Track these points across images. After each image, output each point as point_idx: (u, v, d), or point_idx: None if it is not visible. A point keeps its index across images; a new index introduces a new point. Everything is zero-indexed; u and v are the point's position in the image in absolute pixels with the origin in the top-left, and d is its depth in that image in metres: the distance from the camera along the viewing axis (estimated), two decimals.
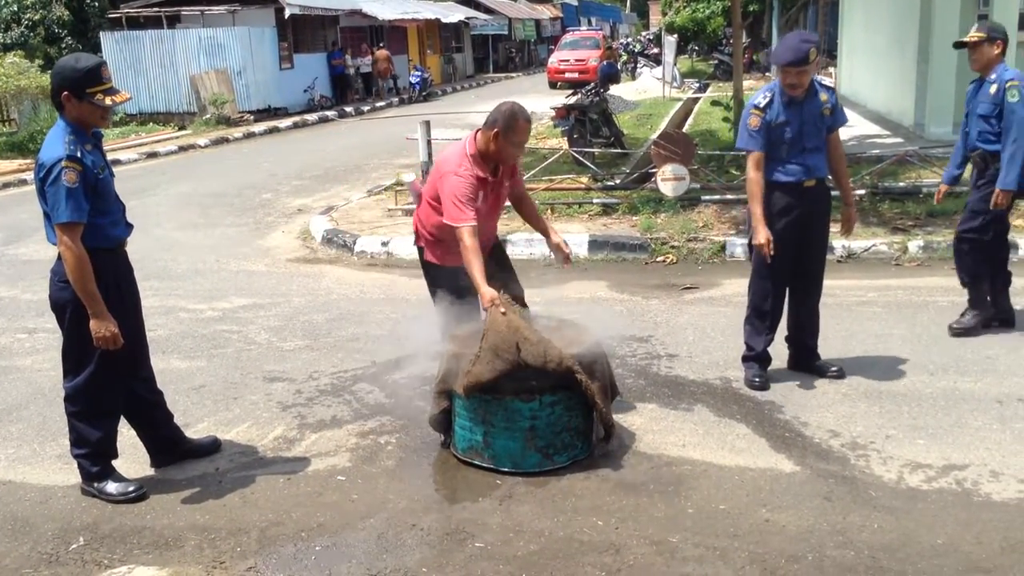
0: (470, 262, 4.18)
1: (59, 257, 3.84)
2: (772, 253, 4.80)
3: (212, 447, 4.52)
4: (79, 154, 3.73)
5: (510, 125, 4.27)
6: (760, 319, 5.10)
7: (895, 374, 5.17)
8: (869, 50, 16.20)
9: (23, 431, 4.89)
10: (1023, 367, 5.19)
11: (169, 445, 4.41)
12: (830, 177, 5.07)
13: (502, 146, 4.30)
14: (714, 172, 9.97)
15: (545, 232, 4.73)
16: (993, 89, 5.46)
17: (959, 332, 5.75)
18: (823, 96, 4.86)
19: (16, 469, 4.45)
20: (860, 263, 7.60)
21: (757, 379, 5.07)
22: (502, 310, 4.10)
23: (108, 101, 3.81)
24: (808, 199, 4.90)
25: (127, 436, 4.33)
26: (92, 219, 3.78)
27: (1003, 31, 5.54)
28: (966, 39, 5.58)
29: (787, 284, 5.08)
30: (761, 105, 4.86)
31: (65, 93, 3.74)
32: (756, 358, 5.13)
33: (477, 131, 4.40)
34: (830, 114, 4.88)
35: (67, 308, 3.88)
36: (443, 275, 4.56)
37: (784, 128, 4.81)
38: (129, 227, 4.09)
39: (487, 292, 4.15)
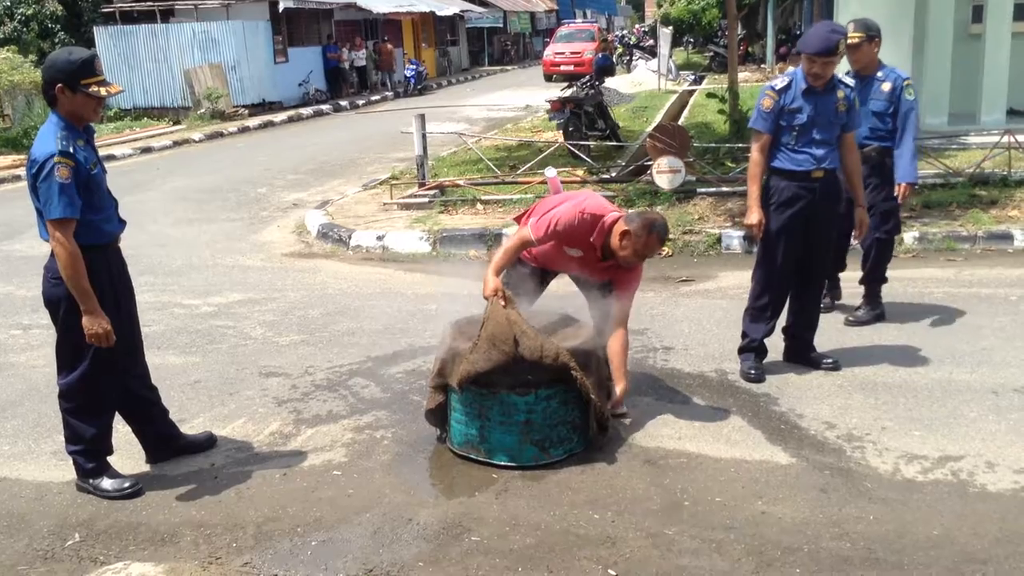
0: (498, 253, 4.36)
1: (52, 253, 3.83)
2: (761, 236, 4.92)
3: (208, 443, 4.52)
4: (72, 149, 3.72)
5: (639, 234, 4.23)
6: (761, 309, 5.10)
7: (891, 365, 5.17)
8: None
9: (18, 428, 4.87)
10: (1018, 358, 5.19)
11: (164, 441, 4.40)
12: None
13: (624, 244, 4.27)
14: (710, 164, 9.97)
15: (617, 379, 4.43)
16: (887, 87, 5.54)
17: (856, 324, 5.89)
18: (841, 92, 4.84)
19: (11, 466, 4.44)
20: (855, 254, 7.57)
21: (753, 371, 5.07)
22: (503, 302, 4.10)
23: (103, 92, 3.81)
24: (817, 191, 4.87)
25: (122, 432, 4.32)
26: (85, 215, 3.77)
27: (878, 28, 5.62)
28: (847, 41, 5.59)
29: (791, 275, 5.07)
30: (777, 87, 4.88)
31: (59, 86, 3.73)
32: (753, 349, 5.13)
33: (622, 218, 4.34)
34: (845, 110, 4.85)
35: (60, 304, 3.86)
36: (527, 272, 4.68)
37: (796, 114, 4.82)
38: (122, 223, 4.08)
39: (491, 282, 4.20)
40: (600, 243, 4.32)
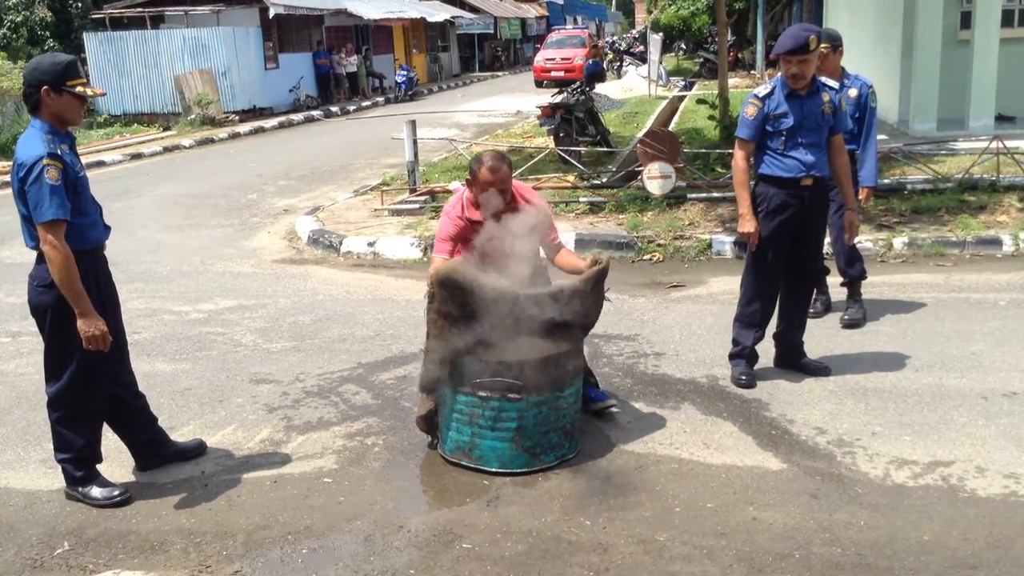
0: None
1: (37, 261, 3.82)
2: (757, 243, 4.92)
3: (198, 450, 4.50)
4: (59, 152, 3.72)
5: (474, 173, 4.32)
6: (751, 315, 5.10)
7: (881, 371, 5.19)
8: (853, 47, 16.21)
9: (7, 435, 4.84)
10: (1007, 363, 5.21)
11: (153, 448, 4.38)
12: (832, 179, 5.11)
13: (476, 194, 4.34)
14: (700, 170, 9.99)
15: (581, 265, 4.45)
16: (853, 93, 5.70)
17: (851, 324, 5.94)
18: (826, 96, 4.85)
19: (0, 474, 4.41)
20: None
21: (744, 377, 5.08)
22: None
23: (89, 92, 3.86)
24: (805, 199, 4.89)
25: (111, 440, 4.30)
26: (72, 220, 3.76)
27: (841, 37, 5.75)
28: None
29: (779, 281, 5.09)
30: (761, 95, 4.90)
31: (45, 88, 3.74)
32: (743, 355, 5.14)
33: None
34: (831, 113, 4.86)
35: (47, 312, 3.85)
36: None
37: (781, 119, 4.83)
38: (107, 229, 4.06)
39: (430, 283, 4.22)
40: (473, 211, 4.38)
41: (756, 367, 5.18)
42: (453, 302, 4.04)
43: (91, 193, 3.98)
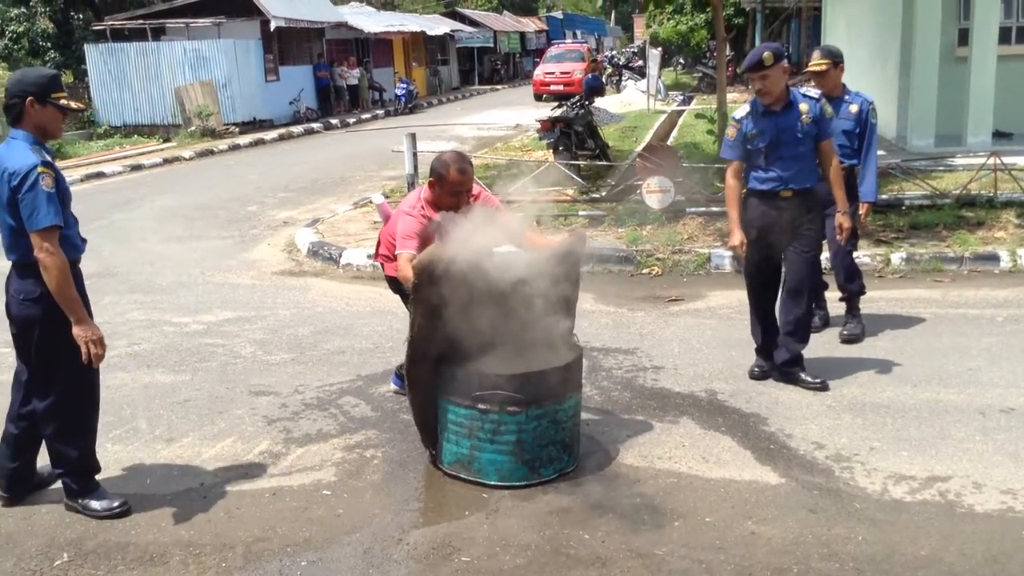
0: (406, 279, 4.26)
1: (18, 275, 3.80)
2: (743, 255, 5.14)
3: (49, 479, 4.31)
4: (49, 160, 3.75)
5: (441, 175, 4.35)
6: (754, 317, 5.30)
7: (879, 386, 5.20)
8: (852, 63, 16.31)
9: None
10: (1005, 378, 5.23)
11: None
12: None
13: (439, 195, 4.38)
14: (699, 184, 10.02)
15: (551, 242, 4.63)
16: (855, 108, 5.76)
17: (850, 340, 5.96)
18: (803, 107, 4.94)
19: None
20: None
21: (756, 369, 5.30)
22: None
23: (73, 105, 3.95)
24: (785, 209, 5.00)
25: (110, 451, 4.31)
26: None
27: (841, 54, 5.81)
28: (814, 68, 5.77)
29: (770, 286, 5.22)
30: (738, 117, 5.08)
31: (30, 99, 3.77)
32: (759, 351, 5.35)
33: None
34: (811, 122, 4.94)
35: (35, 327, 3.82)
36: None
37: (757, 138, 4.97)
38: (83, 242, 4.06)
39: (408, 277, 4.20)
40: (433, 210, 4.40)
41: (755, 383, 5.26)
42: (439, 289, 4.02)
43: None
